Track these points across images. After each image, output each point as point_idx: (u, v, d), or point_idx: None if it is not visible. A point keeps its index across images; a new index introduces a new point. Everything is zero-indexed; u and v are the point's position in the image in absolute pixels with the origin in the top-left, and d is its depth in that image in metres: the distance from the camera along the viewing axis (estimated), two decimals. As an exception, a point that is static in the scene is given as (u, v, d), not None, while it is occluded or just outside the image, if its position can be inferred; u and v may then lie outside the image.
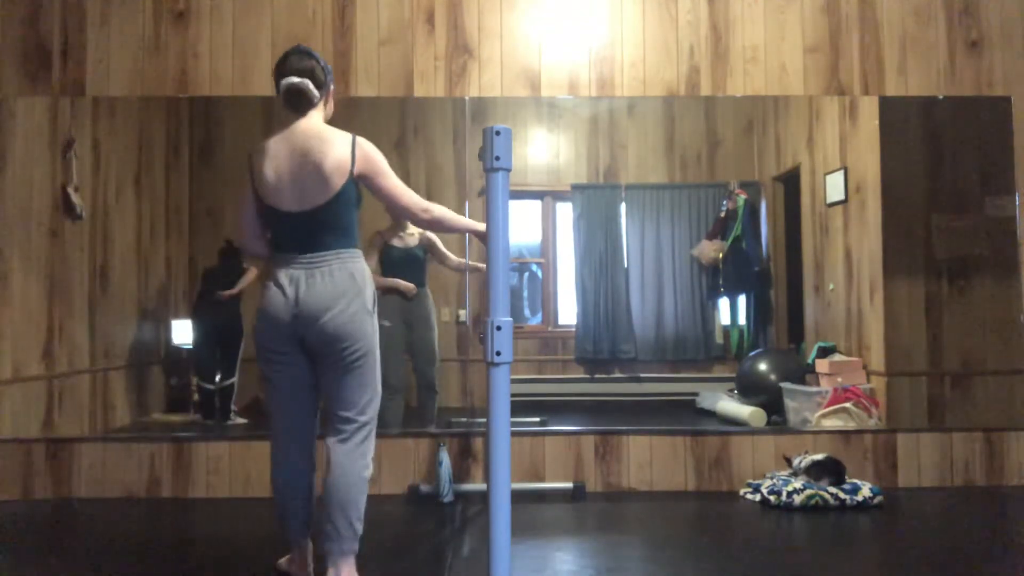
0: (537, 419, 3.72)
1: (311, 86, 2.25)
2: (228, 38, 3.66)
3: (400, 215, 2.35)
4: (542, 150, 3.93)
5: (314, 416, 2.34)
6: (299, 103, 2.26)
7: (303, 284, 2.18)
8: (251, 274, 3.67)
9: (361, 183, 2.27)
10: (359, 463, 2.22)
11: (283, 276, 2.21)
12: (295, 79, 2.24)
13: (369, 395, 2.26)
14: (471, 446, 3.58)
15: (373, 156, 2.25)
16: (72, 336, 3.58)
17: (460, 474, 3.56)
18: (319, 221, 2.20)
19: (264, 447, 3.54)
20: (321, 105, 2.33)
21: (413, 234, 3.73)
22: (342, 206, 2.22)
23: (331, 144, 2.20)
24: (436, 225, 2.34)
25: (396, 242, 3.71)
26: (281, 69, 2.27)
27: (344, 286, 2.19)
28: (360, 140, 2.24)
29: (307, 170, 2.19)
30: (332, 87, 2.38)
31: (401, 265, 3.72)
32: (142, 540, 2.83)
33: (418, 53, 3.68)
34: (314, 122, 2.27)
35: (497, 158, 1.70)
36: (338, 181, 2.19)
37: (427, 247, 3.73)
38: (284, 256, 2.23)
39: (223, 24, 3.66)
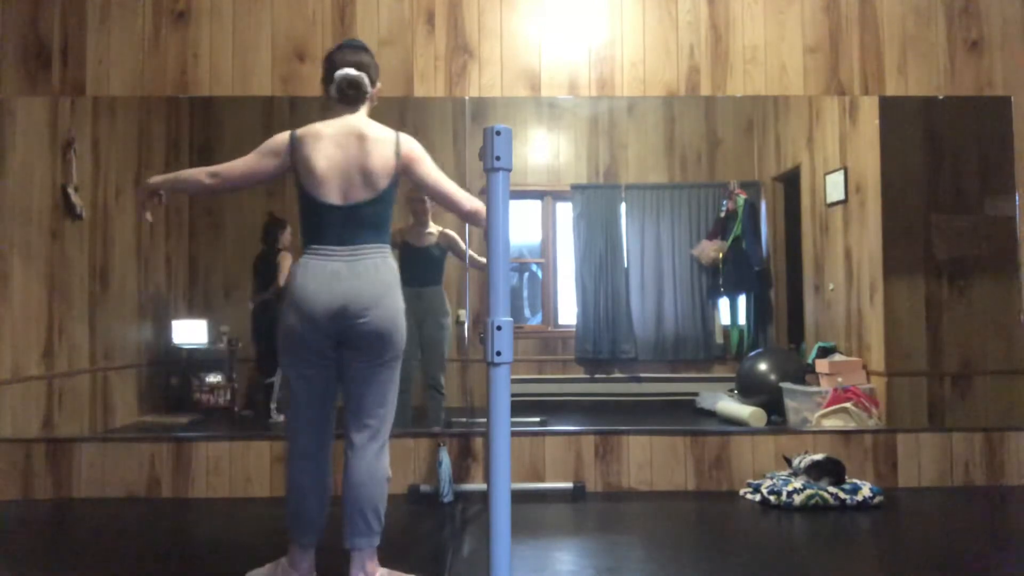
0: (537, 419, 3.72)
1: (367, 81, 2.28)
2: (228, 38, 3.66)
3: (442, 203, 2.37)
4: (542, 150, 3.93)
5: (334, 414, 2.34)
6: (354, 96, 2.27)
7: (347, 277, 2.17)
8: (286, 261, 3.66)
9: (404, 175, 2.28)
10: (384, 461, 2.27)
11: (324, 269, 2.19)
12: (352, 71, 2.25)
13: (396, 394, 2.29)
14: (471, 446, 3.58)
15: (415, 149, 2.29)
16: (72, 336, 3.58)
17: (460, 474, 3.56)
18: (361, 217, 2.21)
19: (264, 447, 3.54)
20: (368, 100, 2.34)
21: (432, 233, 3.72)
22: (384, 205, 2.25)
23: (378, 143, 2.22)
24: (476, 216, 2.37)
25: (413, 240, 3.70)
26: (335, 60, 2.28)
27: (388, 282, 2.21)
28: (402, 136, 2.28)
29: (355, 168, 2.21)
30: (379, 85, 2.40)
31: (416, 262, 3.72)
32: (142, 540, 2.83)
33: (418, 53, 3.68)
34: (363, 118, 2.29)
35: (497, 158, 1.70)
36: (384, 182, 2.23)
37: (448, 246, 3.72)
38: (321, 248, 2.21)
39: (223, 24, 3.66)
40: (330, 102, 2.32)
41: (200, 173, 2.29)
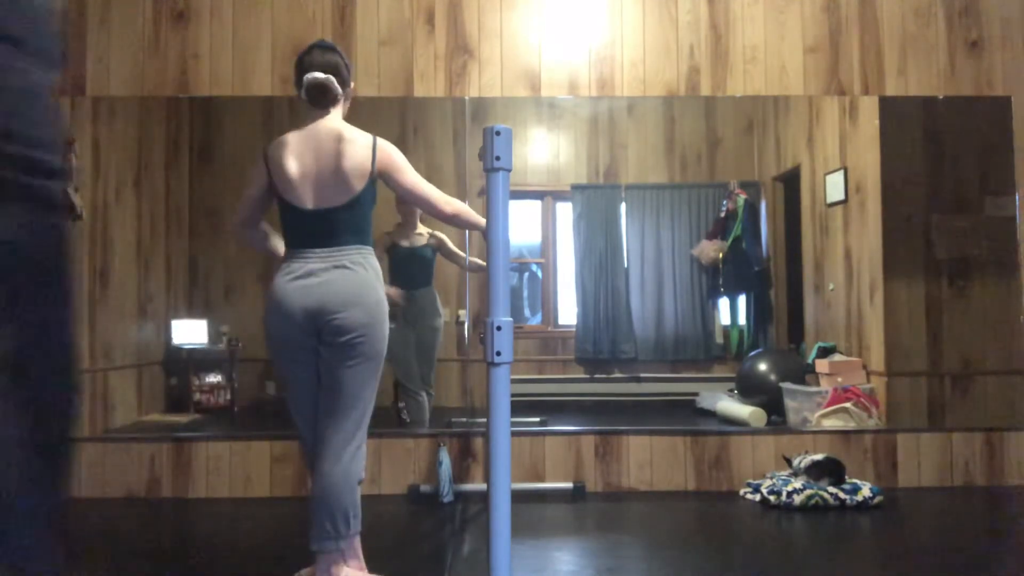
0: (537, 419, 3.72)
1: (335, 83, 2.26)
2: (228, 38, 3.66)
3: (422, 208, 2.37)
4: (542, 150, 3.93)
5: None
6: (323, 99, 2.26)
7: (324, 276, 2.17)
8: None
9: (381, 180, 2.28)
10: (359, 463, 2.24)
11: (302, 269, 2.19)
12: (320, 75, 2.24)
13: (373, 396, 2.27)
14: (471, 446, 3.58)
15: (393, 155, 2.28)
16: (72, 336, 3.57)
17: (460, 474, 3.56)
18: (338, 220, 2.21)
19: (264, 447, 3.54)
20: (341, 102, 2.33)
21: (421, 234, 3.73)
22: (361, 207, 2.24)
23: (353, 145, 2.21)
24: (456, 219, 2.37)
25: (403, 242, 3.71)
26: (304, 64, 2.26)
27: (368, 281, 2.20)
28: (380, 141, 2.27)
29: (328, 171, 2.20)
30: (352, 84, 2.39)
31: (407, 264, 3.73)
32: (142, 540, 2.83)
33: (418, 53, 3.68)
34: (336, 121, 2.28)
35: (497, 158, 1.71)
36: (358, 184, 2.21)
37: (436, 247, 3.73)
38: (300, 251, 2.22)
39: (223, 24, 3.66)
40: (304, 107, 2.30)
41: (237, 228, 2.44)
